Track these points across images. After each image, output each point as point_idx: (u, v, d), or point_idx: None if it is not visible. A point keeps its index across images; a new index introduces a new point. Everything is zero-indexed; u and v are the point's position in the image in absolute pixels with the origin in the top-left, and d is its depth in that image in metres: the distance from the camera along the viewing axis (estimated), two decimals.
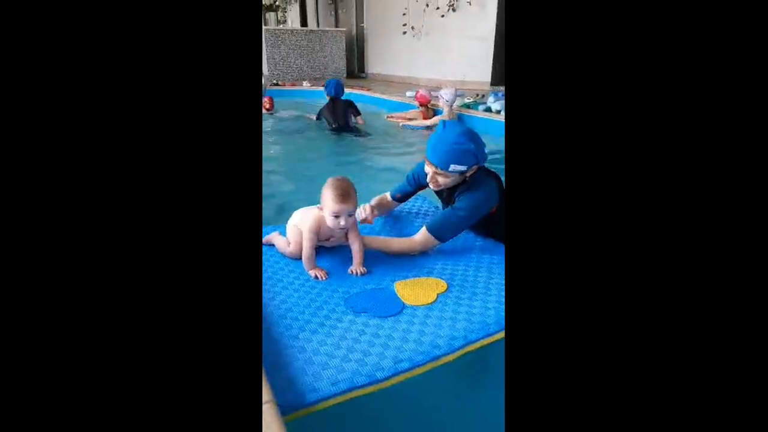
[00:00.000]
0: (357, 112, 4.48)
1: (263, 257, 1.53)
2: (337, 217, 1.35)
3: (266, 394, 0.80)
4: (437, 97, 4.42)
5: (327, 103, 4.50)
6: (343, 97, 4.52)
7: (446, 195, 1.58)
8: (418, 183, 1.69)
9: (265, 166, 3.21)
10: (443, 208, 1.69)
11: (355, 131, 4.27)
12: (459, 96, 5.17)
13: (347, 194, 1.34)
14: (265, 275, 1.41)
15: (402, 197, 1.78)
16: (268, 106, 5.07)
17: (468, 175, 1.46)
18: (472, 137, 1.40)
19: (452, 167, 1.39)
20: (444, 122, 1.46)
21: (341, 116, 4.36)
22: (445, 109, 4.30)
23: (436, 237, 1.47)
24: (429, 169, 1.46)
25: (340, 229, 1.38)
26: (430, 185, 1.52)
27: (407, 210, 1.93)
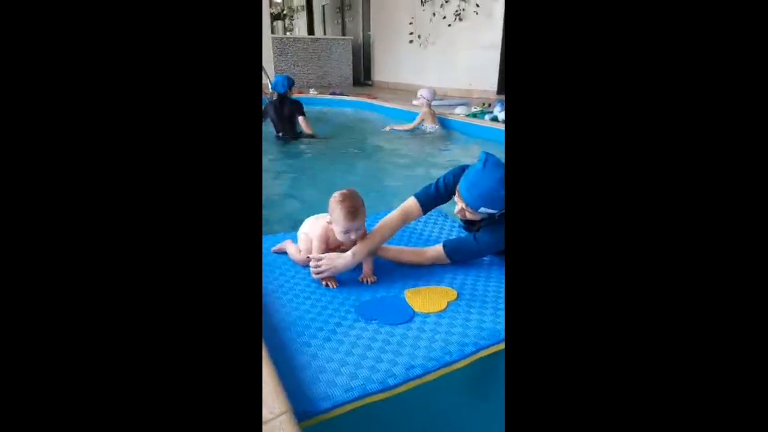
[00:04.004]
0: (302, 113, 4.04)
1: (275, 264, 1.55)
2: (347, 232, 1.38)
3: (282, 404, 0.81)
4: (418, 95, 4.60)
5: (273, 101, 4.04)
6: (292, 98, 4.11)
7: (470, 220, 1.57)
8: (449, 193, 1.53)
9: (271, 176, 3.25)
10: (464, 228, 1.68)
11: (307, 136, 4.03)
12: (465, 105, 5.23)
13: (357, 211, 1.36)
14: (276, 282, 1.42)
15: (431, 207, 1.57)
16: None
17: (497, 215, 1.45)
18: None
19: (482, 209, 1.38)
20: (486, 159, 1.36)
21: (287, 120, 4.01)
22: (424, 108, 4.47)
23: (450, 258, 1.49)
24: (459, 203, 1.44)
25: (351, 241, 1.41)
26: (457, 214, 1.49)
27: (423, 220, 1.95)
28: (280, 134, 4.06)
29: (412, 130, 4.53)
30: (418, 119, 4.51)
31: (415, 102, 5.73)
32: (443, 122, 4.62)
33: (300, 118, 4.03)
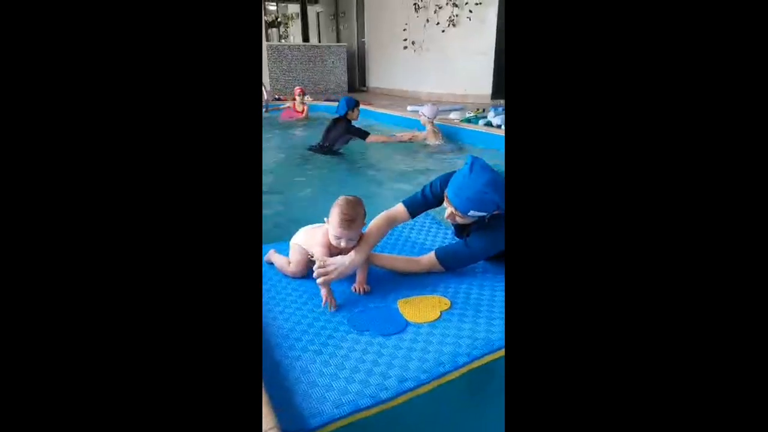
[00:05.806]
0: (362, 136, 3.92)
1: (267, 276, 1.53)
2: (338, 238, 1.38)
3: (270, 421, 0.79)
4: (420, 113, 4.31)
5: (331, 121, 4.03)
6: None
7: (460, 225, 1.56)
8: (437, 199, 1.52)
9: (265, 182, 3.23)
10: (455, 234, 1.69)
11: (335, 153, 3.90)
12: (459, 110, 5.20)
13: (352, 221, 1.36)
14: (268, 294, 1.40)
15: (418, 212, 1.56)
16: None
17: (487, 218, 1.44)
18: (498, 187, 1.33)
19: (472, 213, 1.38)
20: (472, 163, 1.37)
21: (332, 139, 3.86)
22: (428, 126, 4.23)
23: (443, 265, 1.48)
24: (448, 208, 1.43)
25: (341, 247, 1.40)
26: (447, 219, 1.49)
27: (417, 228, 1.93)
28: (317, 146, 3.90)
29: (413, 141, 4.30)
30: (420, 135, 4.26)
31: (408, 108, 5.70)
32: (446, 131, 4.44)
33: (368, 138, 3.90)
